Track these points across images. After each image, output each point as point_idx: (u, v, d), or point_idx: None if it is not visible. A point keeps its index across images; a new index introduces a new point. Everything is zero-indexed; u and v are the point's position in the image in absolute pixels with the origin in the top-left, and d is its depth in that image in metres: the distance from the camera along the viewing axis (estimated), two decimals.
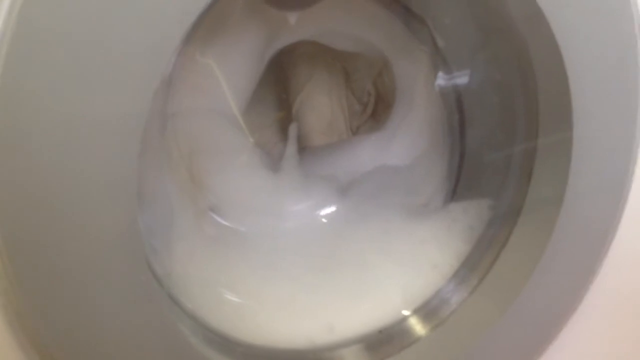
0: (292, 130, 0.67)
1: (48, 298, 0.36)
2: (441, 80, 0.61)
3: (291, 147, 0.66)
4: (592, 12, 0.42)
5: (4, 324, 0.38)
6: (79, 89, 0.32)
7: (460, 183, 0.61)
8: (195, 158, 0.57)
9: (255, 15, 0.56)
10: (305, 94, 0.74)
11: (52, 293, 0.36)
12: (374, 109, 0.74)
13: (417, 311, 0.54)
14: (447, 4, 0.57)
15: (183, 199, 0.54)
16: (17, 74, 0.31)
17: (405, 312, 0.54)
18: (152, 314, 0.39)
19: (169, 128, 0.54)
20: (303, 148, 0.70)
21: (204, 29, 0.53)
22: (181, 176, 0.56)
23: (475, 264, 0.54)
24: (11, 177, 0.33)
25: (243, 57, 0.58)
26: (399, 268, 0.56)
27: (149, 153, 0.45)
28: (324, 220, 0.62)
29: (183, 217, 0.53)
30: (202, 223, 0.55)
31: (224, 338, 0.49)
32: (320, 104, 0.74)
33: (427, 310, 0.54)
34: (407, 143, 0.65)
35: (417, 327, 0.53)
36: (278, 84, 0.76)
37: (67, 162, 0.33)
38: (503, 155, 0.55)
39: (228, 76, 0.57)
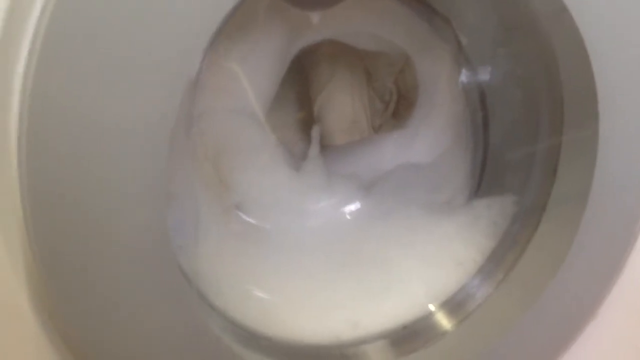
0: (315, 131, 0.67)
1: (79, 297, 0.37)
2: (464, 77, 0.61)
3: (314, 147, 0.66)
4: (617, 7, 0.42)
5: (37, 323, 0.39)
6: (109, 92, 0.33)
7: (484, 180, 0.61)
8: (220, 157, 0.57)
9: (278, 15, 0.56)
10: (327, 93, 0.74)
11: (83, 292, 0.36)
12: (396, 107, 0.74)
13: (442, 306, 0.54)
14: (471, 1, 0.56)
15: (209, 197, 0.55)
16: (48, 77, 0.32)
17: (432, 307, 0.55)
18: (181, 311, 0.40)
19: (195, 128, 0.54)
20: (325, 147, 0.71)
21: (228, 31, 0.53)
22: (207, 175, 0.57)
23: (501, 259, 0.54)
24: (43, 179, 0.34)
25: (266, 57, 0.58)
26: (422, 264, 0.57)
27: (176, 153, 0.46)
28: (347, 217, 0.62)
29: (209, 214, 0.53)
30: (228, 220, 0.56)
31: (251, 333, 0.50)
32: (342, 102, 0.74)
33: (452, 305, 0.54)
34: (429, 141, 0.64)
35: (443, 321, 0.53)
36: (300, 83, 0.76)
37: (98, 163, 0.34)
38: (527, 151, 0.55)
39: (251, 77, 0.57)
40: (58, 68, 0.32)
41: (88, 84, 0.33)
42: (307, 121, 0.75)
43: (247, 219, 0.58)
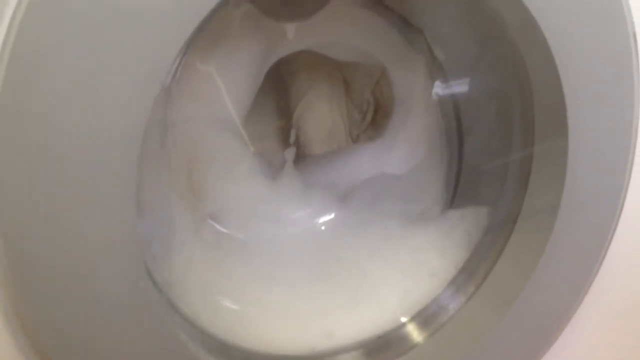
0: (292, 138, 0.67)
1: (47, 302, 0.36)
2: (439, 88, 0.61)
3: (290, 155, 0.66)
4: (585, 19, 0.43)
5: (4, 326, 0.38)
6: (78, 96, 0.33)
7: (458, 190, 0.61)
8: (195, 166, 0.57)
9: (253, 26, 0.56)
10: (305, 103, 0.74)
11: (51, 298, 0.36)
12: (374, 117, 0.75)
13: (414, 317, 0.55)
14: (443, 14, 0.57)
15: (182, 206, 0.55)
16: (19, 81, 0.32)
17: (403, 319, 0.55)
18: (151, 321, 0.40)
19: (169, 136, 0.54)
20: (303, 156, 0.71)
21: (203, 39, 0.53)
22: (181, 184, 0.56)
23: (473, 271, 0.54)
24: (12, 182, 0.33)
25: (242, 66, 0.58)
26: (397, 275, 0.57)
27: (149, 161, 0.46)
28: (322, 227, 0.62)
29: (182, 224, 0.53)
30: (202, 230, 0.55)
31: (223, 344, 0.49)
32: (320, 112, 0.75)
33: (425, 317, 0.54)
34: (405, 151, 0.65)
35: (415, 333, 0.54)
36: (278, 93, 0.76)
37: (68, 168, 0.34)
38: (500, 163, 0.55)
39: (228, 85, 0.57)
40: (28, 72, 0.32)
41: (57, 88, 0.33)
42: (286, 131, 0.75)
43: (221, 228, 0.58)
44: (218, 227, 0.57)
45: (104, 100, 0.34)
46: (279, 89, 0.76)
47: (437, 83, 0.61)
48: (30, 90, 0.32)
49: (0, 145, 0.33)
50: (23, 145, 0.33)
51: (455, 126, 0.61)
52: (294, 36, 0.56)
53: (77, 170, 0.34)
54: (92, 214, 0.35)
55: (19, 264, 0.35)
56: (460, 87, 0.60)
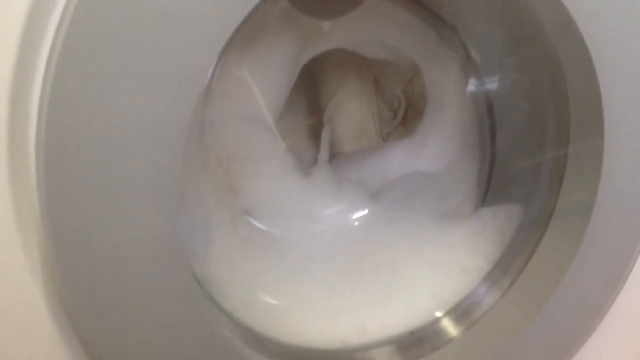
0: (325, 135, 0.68)
1: (93, 299, 0.37)
2: (472, 86, 0.61)
3: (323, 153, 0.67)
4: (622, 19, 0.42)
5: (53, 324, 0.39)
6: (125, 97, 0.34)
7: (491, 188, 0.61)
8: (230, 163, 0.58)
9: (289, 24, 0.57)
10: (336, 101, 0.75)
11: (97, 294, 0.37)
12: (404, 116, 0.75)
13: (448, 313, 0.55)
14: (478, 11, 0.57)
15: (219, 202, 0.56)
16: (66, 80, 0.33)
17: (438, 314, 0.55)
18: (193, 314, 0.41)
19: (207, 135, 0.55)
20: (334, 154, 0.71)
21: (239, 39, 0.54)
22: (217, 181, 0.57)
23: (507, 268, 0.54)
24: (61, 181, 0.34)
25: (277, 65, 0.59)
26: (429, 271, 0.57)
27: (188, 159, 0.47)
28: (355, 224, 0.63)
29: (220, 220, 0.54)
30: (238, 226, 0.56)
31: (259, 337, 0.50)
32: (351, 110, 0.75)
33: (459, 312, 0.55)
34: (437, 150, 0.65)
35: (449, 328, 0.54)
36: (309, 91, 0.77)
37: (113, 167, 0.35)
38: (534, 161, 0.55)
39: (262, 84, 0.58)
40: (75, 75, 0.33)
41: (103, 91, 0.33)
42: (317, 128, 0.75)
43: (257, 224, 0.59)
44: (254, 222, 0.58)
45: (150, 98, 0.34)
46: (309, 86, 0.76)
47: (471, 80, 0.61)
48: (77, 88, 0.33)
49: (51, 141, 0.34)
50: (70, 142, 0.34)
51: (488, 124, 0.61)
52: (329, 34, 0.57)
53: (122, 167, 0.35)
54: (137, 211, 0.36)
55: (64, 261, 0.36)
56: (493, 85, 0.60)
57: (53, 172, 0.34)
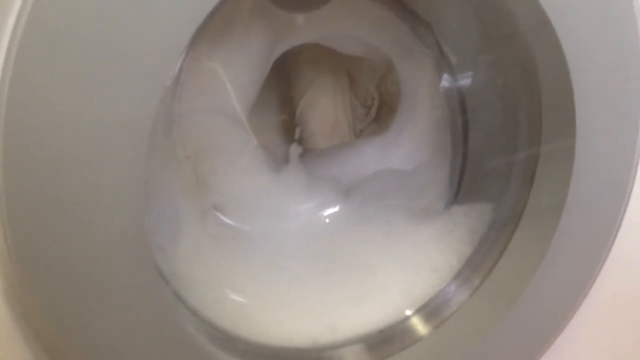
0: (297, 134, 0.67)
1: (54, 295, 0.36)
2: (445, 82, 0.61)
3: (295, 149, 0.66)
4: (597, 20, 0.42)
5: (11, 320, 0.38)
6: (87, 90, 0.33)
7: (463, 187, 0.61)
8: (200, 158, 0.57)
9: (262, 17, 0.56)
10: (309, 97, 0.74)
11: (59, 290, 0.36)
12: (378, 112, 0.75)
13: (418, 311, 0.55)
14: (453, 8, 0.57)
15: (188, 198, 0.55)
16: (26, 75, 0.32)
17: (408, 312, 0.55)
18: (158, 311, 0.40)
19: (175, 129, 0.54)
20: (306, 150, 0.71)
21: (210, 31, 0.53)
22: (186, 176, 0.56)
23: (477, 266, 0.55)
24: (20, 177, 0.33)
25: (249, 58, 0.58)
26: (400, 269, 0.57)
27: (155, 153, 0.46)
28: (326, 220, 0.62)
29: (188, 216, 0.53)
30: (207, 222, 0.55)
31: (227, 335, 0.50)
32: (324, 106, 0.75)
33: (429, 311, 0.55)
34: (410, 147, 0.65)
35: (419, 327, 0.54)
36: (282, 86, 0.76)
37: (76, 162, 0.34)
38: (506, 159, 0.55)
39: (233, 78, 0.57)
40: (36, 67, 0.32)
41: (65, 82, 0.32)
42: (289, 124, 0.75)
43: (226, 220, 0.58)
44: (223, 218, 0.58)
45: (113, 91, 0.33)
46: (282, 81, 0.76)
47: (445, 77, 0.61)
48: (38, 83, 0.32)
49: (9, 138, 0.33)
50: (31, 138, 0.33)
51: (461, 122, 0.61)
52: (303, 28, 0.56)
53: (86, 163, 0.34)
54: (101, 206, 0.35)
55: (26, 258, 0.35)
56: (467, 81, 0.60)
57: (12, 170, 0.33)
